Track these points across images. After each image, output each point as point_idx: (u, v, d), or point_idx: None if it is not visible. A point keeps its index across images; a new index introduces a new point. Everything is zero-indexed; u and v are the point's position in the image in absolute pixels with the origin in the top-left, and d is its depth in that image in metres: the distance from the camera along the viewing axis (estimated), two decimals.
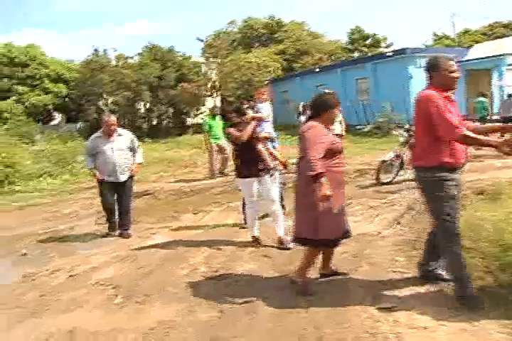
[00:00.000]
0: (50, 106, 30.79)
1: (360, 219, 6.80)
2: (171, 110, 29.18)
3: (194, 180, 11.93)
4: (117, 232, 7.03)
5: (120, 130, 6.99)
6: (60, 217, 8.76)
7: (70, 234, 7.35)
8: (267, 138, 6.03)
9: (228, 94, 29.59)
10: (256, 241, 5.93)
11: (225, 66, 30.76)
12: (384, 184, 9.03)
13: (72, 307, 4.37)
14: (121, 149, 6.85)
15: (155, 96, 28.31)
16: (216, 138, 11.71)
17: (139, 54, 30.52)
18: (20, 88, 29.28)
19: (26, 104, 28.89)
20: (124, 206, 7.09)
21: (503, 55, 22.39)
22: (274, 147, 6.45)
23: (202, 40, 37.89)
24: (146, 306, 4.30)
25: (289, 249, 5.51)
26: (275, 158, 6.07)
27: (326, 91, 4.63)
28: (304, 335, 3.49)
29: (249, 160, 5.75)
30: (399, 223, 6.35)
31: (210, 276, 4.95)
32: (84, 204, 9.77)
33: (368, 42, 41.69)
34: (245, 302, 4.19)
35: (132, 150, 7.01)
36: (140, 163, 7.17)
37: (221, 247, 5.90)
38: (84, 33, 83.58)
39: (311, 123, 4.23)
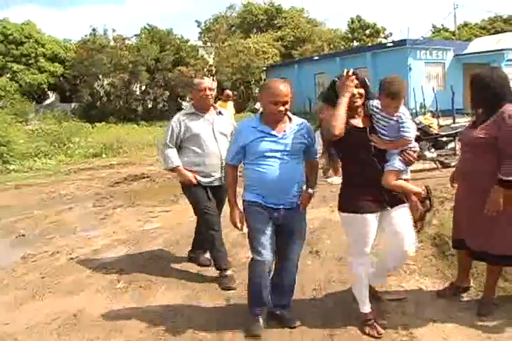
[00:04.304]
0: (45, 86, 30.54)
1: None
2: (166, 93, 29.04)
3: None
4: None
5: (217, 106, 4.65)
6: (57, 197, 8.66)
7: (69, 216, 7.26)
8: (405, 143, 3.30)
9: (224, 78, 29.43)
10: (371, 325, 3.36)
11: (222, 51, 30.63)
12: None
13: (75, 291, 4.31)
14: (224, 134, 4.39)
15: (152, 79, 28.16)
16: None
17: (137, 35, 30.28)
18: (15, 66, 28.97)
19: (21, 82, 28.59)
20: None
21: (502, 50, 22.39)
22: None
23: (200, 24, 37.71)
24: (150, 291, 4.25)
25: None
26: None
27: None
28: (315, 324, 3.47)
29: (361, 179, 3.29)
30: None
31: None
32: (81, 186, 9.67)
33: (367, 31, 41.44)
34: None
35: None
36: None
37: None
38: (82, 10, 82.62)
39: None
